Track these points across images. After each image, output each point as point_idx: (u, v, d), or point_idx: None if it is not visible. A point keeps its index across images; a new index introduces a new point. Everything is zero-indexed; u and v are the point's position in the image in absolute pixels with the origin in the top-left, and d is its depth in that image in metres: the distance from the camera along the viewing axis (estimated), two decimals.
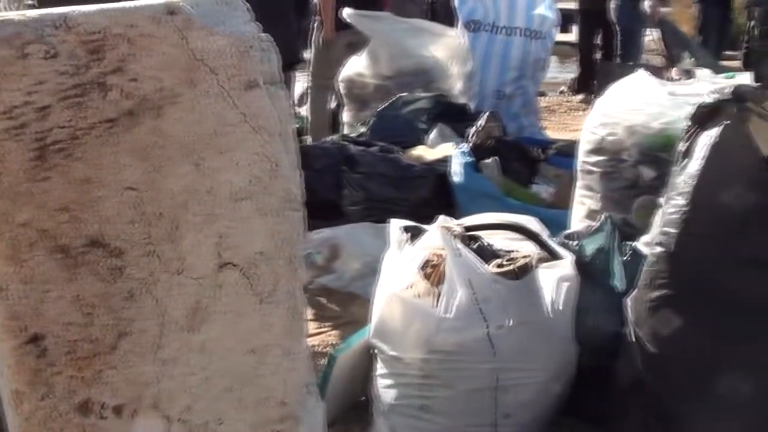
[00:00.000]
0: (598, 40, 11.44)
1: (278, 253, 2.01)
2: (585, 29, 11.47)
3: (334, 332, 4.26)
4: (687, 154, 2.84)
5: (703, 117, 2.83)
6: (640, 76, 4.46)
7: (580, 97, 10.95)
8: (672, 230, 2.79)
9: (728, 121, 2.75)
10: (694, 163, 2.78)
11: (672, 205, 2.81)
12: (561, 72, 15.22)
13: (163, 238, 1.89)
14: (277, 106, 2.00)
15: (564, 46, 15.85)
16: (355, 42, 7.42)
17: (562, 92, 11.98)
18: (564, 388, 3.19)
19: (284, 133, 2.03)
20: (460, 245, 2.99)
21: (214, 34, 1.86)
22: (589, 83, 10.74)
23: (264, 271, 2.00)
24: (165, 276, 1.91)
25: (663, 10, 16.46)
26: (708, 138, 2.78)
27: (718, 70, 9.10)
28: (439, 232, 3.06)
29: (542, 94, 11.31)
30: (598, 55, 11.47)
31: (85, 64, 1.79)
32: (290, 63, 6.59)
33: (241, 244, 1.96)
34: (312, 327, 4.31)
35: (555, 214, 4.83)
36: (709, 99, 2.82)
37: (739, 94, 2.74)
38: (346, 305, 4.55)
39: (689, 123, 2.89)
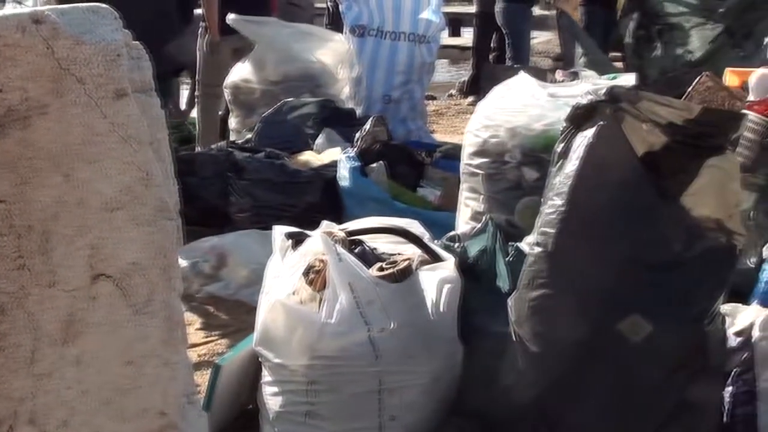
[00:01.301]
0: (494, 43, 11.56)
1: (152, 263, 1.99)
2: (481, 32, 11.56)
3: (222, 341, 4.24)
4: (564, 154, 2.87)
5: (579, 118, 2.87)
6: (522, 78, 4.52)
7: (469, 99, 11.01)
8: (550, 230, 2.82)
9: (603, 122, 2.79)
10: (571, 164, 2.81)
11: (550, 205, 2.85)
12: (452, 75, 15.38)
13: (34, 251, 1.85)
14: (148, 114, 1.98)
15: (454, 49, 16.03)
16: (242, 47, 7.39)
17: (451, 95, 12.05)
18: (449, 388, 3.21)
19: (156, 142, 2.01)
20: (341, 250, 3.00)
21: (81, 43, 1.83)
22: (480, 86, 10.84)
23: (138, 282, 1.97)
24: (37, 289, 1.87)
25: (553, 12, 16.73)
26: (583, 138, 2.81)
27: (609, 67, 9.34)
28: (320, 238, 3.06)
29: (432, 98, 11.40)
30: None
31: None
32: (176, 70, 6.53)
33: (114, 255, 1.93)
34: (200, 336, 4.29)
35: (442, 217, 4.88)
36: (584, 100, 2.86)
37: (613, 95, 2.78)
38: (234, 313, 4.53)
39: (565, 124, 2.93)
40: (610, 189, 2.79)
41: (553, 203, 2.83)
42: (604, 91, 2.80)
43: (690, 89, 5.88)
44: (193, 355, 4.06)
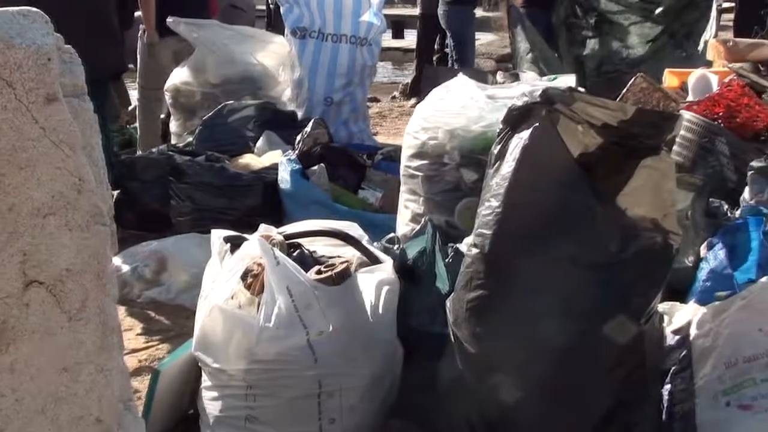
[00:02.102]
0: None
1: (86, 269, 1.97)
2: (424, 33, 11.60)
3: (162, 346, 4.23)
4: (500, 156, 2.88)
5: (515, 119, 2.88)
6: (461, 80, 4.54)
7: (412, 101, 11.05)
8: (486, 231, 2.82)
9: (538, 123, 2.80)
10: (506, 165, 2.82)
11: (486, 206, 2.85)
12: (395, 77, 15.42)
13: None
14: (81, 119, 1.96)
15: (397, 51, 16.09)
16: (181, 50, 7.35)
17: (394, 97, 12.09)
18: (390, 390, 3.23)
19: (89, 147, 1.99)
20: (279, 253, 2.99)
21: (11, 47, 1.81)
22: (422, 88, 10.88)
23: (72, 288, 1.95)
24: None
25: (496, 14, 16.83)
26: (519, 140, 2.82)
27: (556, 63, 9.42)
28: (257, 242, 3.05)
29: (375, 100, 11.43)
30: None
31: None
32: (116, 73, 6.48)
33: (46, 261, 1.91)
34: (141, 341, 4.27)
35: (383, 219, 4.91)
36: (519, 102, 2.87)
37: (547, 97, 2.80)
38: (174, 318, 4.52)
39: (501, 126, 2.94)
40: (546, 190, 2.81)
41: (490, 204, 2.84)
42: (539, 92, 2.82)
43: (625, 90, 5.96)
44: (134, 360, 4.04)
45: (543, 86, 2.93)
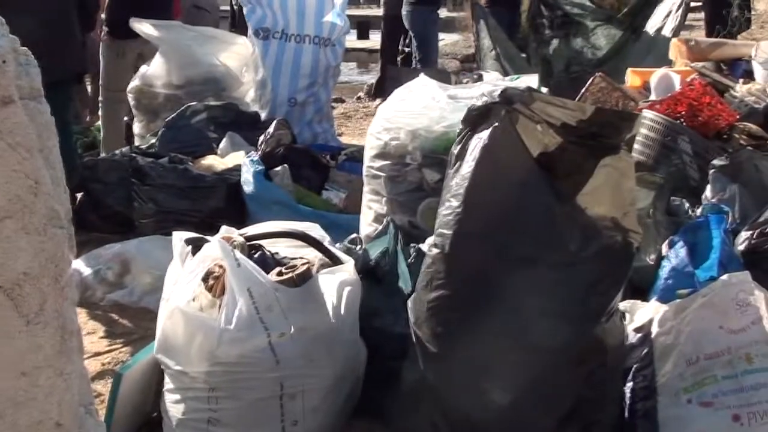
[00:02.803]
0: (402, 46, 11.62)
1: (44, 272, 1.95)
2: (388, 34, 11.59)
3: (126, 349, 4.20)
4: (460, 156, 2.89)
5: (474, 120, 2.89)
6: (423, 80, 4.56)
7: (377, 102, 11.05)
8: (447, 231, 2.83)
9: (497, 123, 2.82)
10: (466, 165, 2.84)
11: (447, 207, 2.86)
12: (361, 78, 15.43)
13: None
14: (37, 121, 1.95)
15: (362, 52, 16.09)
16: (145, 52, 7.32)
17: (359, 98, 12.09)
18: (353, 391, 3.23)
19: (46, 150, 1.98)
20: (240, 255, 2.98)
21: None
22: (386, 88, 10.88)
23: (29, 292, 1.94)
24: None
25: (460, 14, 16.87)
26: (479, 140, 2.84)
27: (520, 60, 9.45)
28: (218, 244, 3.04)
29: (340, 100, 11.43)
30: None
31: None
32: (78, 75, 6.43)
33: (3, 265, 1.89)
34: (104, 344, 4.24)
35: (347, 219, 4.90)
36: (479, 102, 2.88)
37: (506, 97, 2.81)
38: (138, 320, 4.49)
39: (461, 126, 2.95)
40: (506, 189, 2.82)
41: (450, 204, 2.85)
42: (498, 92, 2.83)
43: (584, 90, 5.99)
44: (97, 363, 4.02)
45: (502, 86, 2.94)
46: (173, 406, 3.12)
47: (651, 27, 9.25)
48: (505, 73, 7.82)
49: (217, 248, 3.04)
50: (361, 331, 3.31)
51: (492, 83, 4.71)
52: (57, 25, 5.58)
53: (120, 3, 7.15)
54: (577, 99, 5.85)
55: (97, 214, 5.59)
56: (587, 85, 6.13)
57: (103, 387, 3.67)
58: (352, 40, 15.86)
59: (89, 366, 3.90)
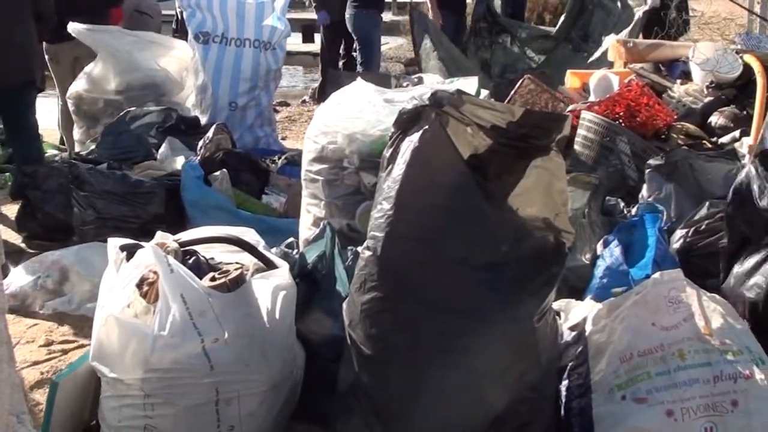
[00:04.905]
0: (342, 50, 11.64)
1: None
2: (328, 38, 11.59)
3: (64, 357, 4.18)
4: (392, 159, 2.91)
5: (405, 122, 2.90)
6: (359, 84, 4.57)
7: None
8: (379, 234, 2.84)
9: (428, 126, 2.83)
10: (397, 168, 2.85)
11: (379, 209, 2.87)
12: (306, 82, 15.43)
13: None
14: None
15: (307, 56, 16.07)
16: (81, 55, 7.28)
17: (304, 102, 12.09)
18: (290, 394, 3.23)
19: None
20: (173, 261, 2.97)
21: None
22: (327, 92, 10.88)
23: None
24: None
25: (404, 18, 16.95)
26: (409, 143, 2.85)
27: (462, 61, 9.52)
28: (151, 250, 3.03)
29: (285, 104, 11.43)
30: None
31: None
32: (32, 81, 6.35)
33: None
34: (43, 353, 4.22)
35: (287, 223, 4.92)
36: (409, 105, 2.89)
37: (436, 100, 2.82)
38: (78, 328, 4.47)
39: (393, 129, 2.96)
40: (436, 191, 2.83)
41: (382, 207, 2.86)
42: (427, 95, 2.84)
43: (513, 92, 6.04)
44: (36, 372, 4.00)
45: (433, 89, 2.96)
46: (110, 413, 3.10)
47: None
48: (449, 76, 7.88)
49: (150, 254, 3.03)
50: (300, 334, 3.32)
51: (430, 86, 4.73)
52: (10, 31, 5.58)
53: (57, 7, 7.11)
54: (506, 101, 5.91)
55: (37, 222, 5.56)
56: (516, 87, 6.19)
57: (42, 396, 3.65)
58: (297, 44, 15.84)
59: (28, 375, 3.88)
